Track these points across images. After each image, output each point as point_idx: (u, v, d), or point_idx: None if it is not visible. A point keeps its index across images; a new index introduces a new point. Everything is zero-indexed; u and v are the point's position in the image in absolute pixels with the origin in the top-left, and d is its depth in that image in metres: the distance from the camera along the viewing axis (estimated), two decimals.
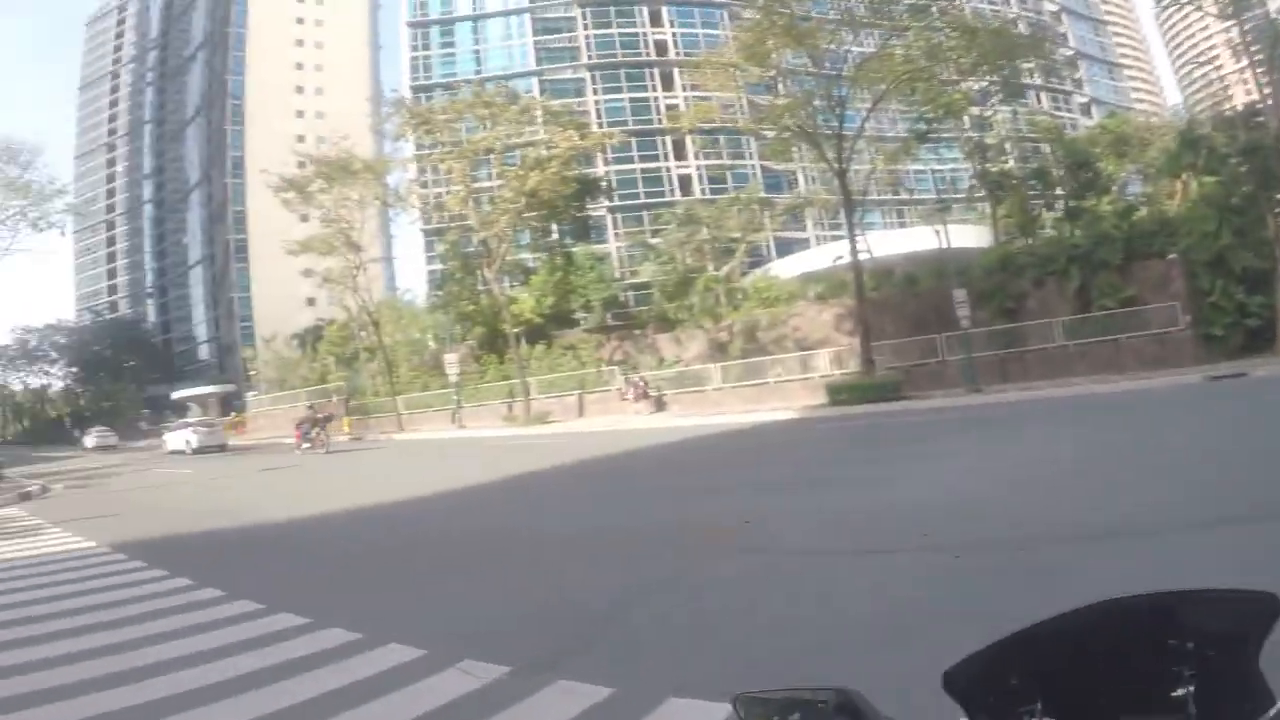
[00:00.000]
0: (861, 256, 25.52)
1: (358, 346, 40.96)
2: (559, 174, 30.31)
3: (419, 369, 35.32)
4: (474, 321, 34.39)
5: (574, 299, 34.00)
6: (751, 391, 27.12)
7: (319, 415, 27.85)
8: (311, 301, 60.43)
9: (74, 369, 75.64)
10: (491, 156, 31.29)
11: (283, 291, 66.61)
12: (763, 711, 1.04)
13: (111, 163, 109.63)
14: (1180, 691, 0.92)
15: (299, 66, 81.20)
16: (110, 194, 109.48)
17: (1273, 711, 0.92)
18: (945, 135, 33.43)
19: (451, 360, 30.17)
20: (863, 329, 24.48)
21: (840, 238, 29.48)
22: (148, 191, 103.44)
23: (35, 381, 77.84)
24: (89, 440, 47.93)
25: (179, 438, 33.62)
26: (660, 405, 27.93)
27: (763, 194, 44.36)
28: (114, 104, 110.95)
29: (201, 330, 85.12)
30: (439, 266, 40.36)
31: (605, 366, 30.70)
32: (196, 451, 31.21)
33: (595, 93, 58.34)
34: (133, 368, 73.55)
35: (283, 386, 44.11)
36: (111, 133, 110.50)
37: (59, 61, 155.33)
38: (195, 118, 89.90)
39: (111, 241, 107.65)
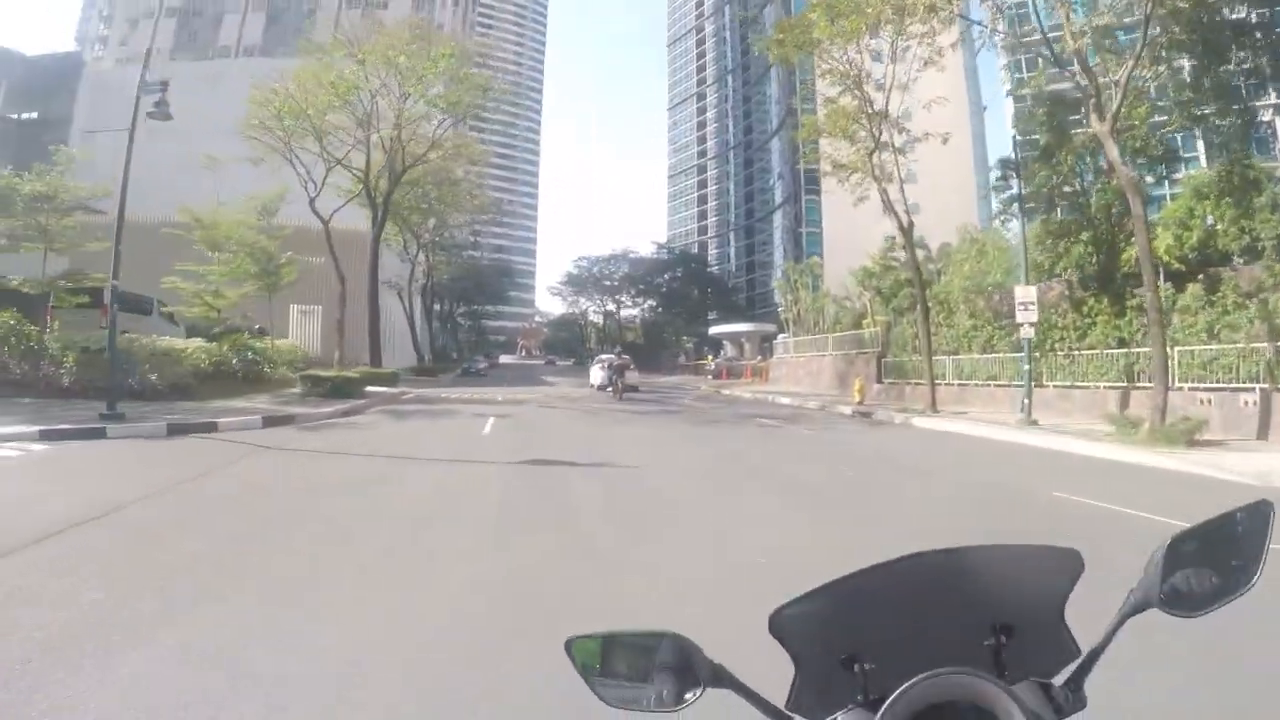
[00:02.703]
0: None
1: (901, 276, 30.66)
2: None
3: (981, 317, 23.02)
4: (1072, 237, 20.49)
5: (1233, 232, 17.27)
6: None
7: (618, 363, 27.73)
8: (890, 207, 51.87)
9: (641, 299, 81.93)
10: None
11: (850, 221, 60.38)
12: (592, 650, 1.03)
13: (701, 110, 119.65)
14: (990, 641, 1.01)
15: None
16: (701, 140, 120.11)
17: (1077, 662, 1.00)
18: None
19: (1027, 301, 16.85)
20: None
21: None
22: (734, 135, 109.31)
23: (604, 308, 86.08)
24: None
25: (597, 373, 31.23)
26: None
27: None
28: (700, 55, 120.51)
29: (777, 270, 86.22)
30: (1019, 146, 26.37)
31: None
32: (599, 389, 29.14)
33: None
34: (696, 300, 77.29)
35: (813, 328, 36.59)
36: (701, 82, 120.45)
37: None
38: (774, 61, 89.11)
39: (703, 185, 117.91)
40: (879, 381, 26.75)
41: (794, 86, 75.70)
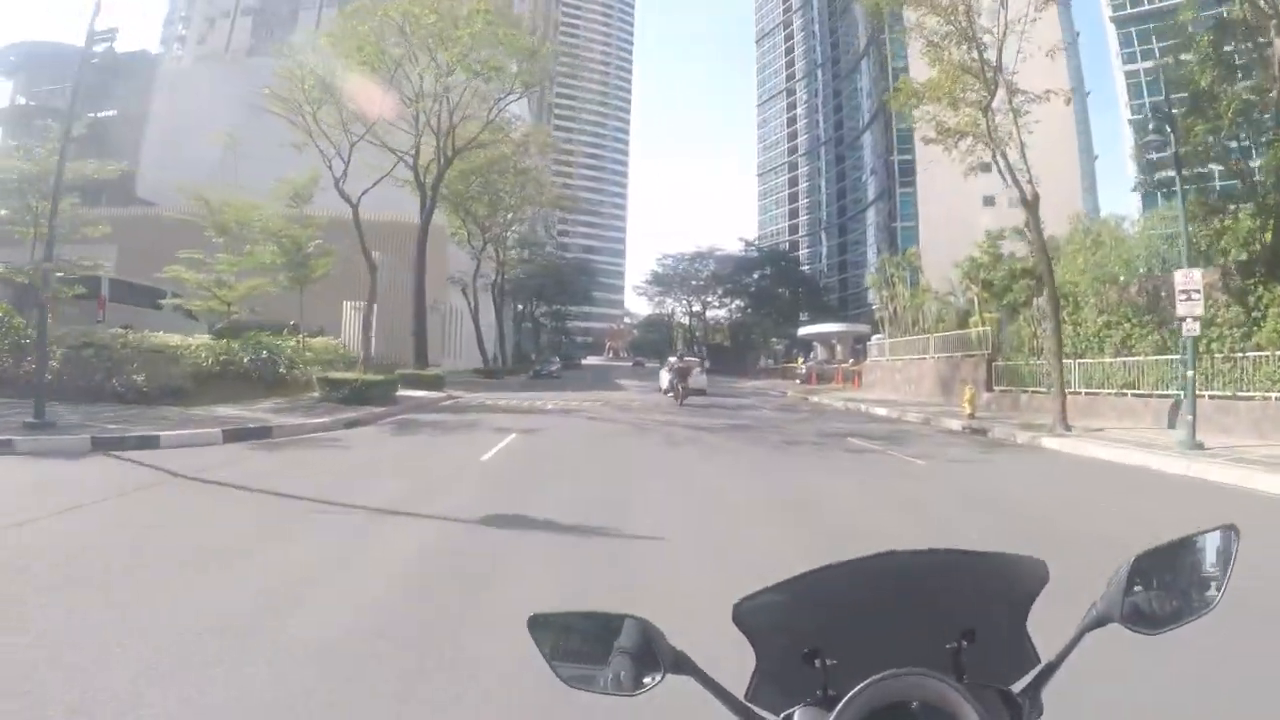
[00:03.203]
0: None
1: (1015, 267, 25.99)
2: None
3: (1116, 312, 18.52)
4: (1233, 210, 15.91)
5: None
6: None
7: (680, 365, 25.40)
8: (989, 201, 47.12)
9: (729, 299, 77.28)
10: None
11: (949, 212, 56.00)
12: (556, 632, 1.03)
13: (791, 106, 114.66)
14: (953, 645, 0.99)
15: None
16: (791, 136, 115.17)
17: (1036, 671, 1.00)
18: None
19: (1190, 289, 12.29)
20: None
21: None
22: (825, 131, 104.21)
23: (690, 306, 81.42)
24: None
25: (664, 376, 27.91)
26: None
27: None
28: (789, 50, 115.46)
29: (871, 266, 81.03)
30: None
31: None
32: (666, 392, 26.30)
33: None
34: (786, 300, 72.48)
35: (910, 328, 32.02)
36: (789, 77, 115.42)
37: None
38: (868, 49, 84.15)
39: (794, 182, 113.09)
40: (989, 389, 22.39)
41: (887, 81, 70.69)
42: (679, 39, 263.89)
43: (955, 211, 58.40)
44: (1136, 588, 0.99)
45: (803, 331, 52.87)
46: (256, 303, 22.65)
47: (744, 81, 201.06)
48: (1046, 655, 1.01)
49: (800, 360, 43.47)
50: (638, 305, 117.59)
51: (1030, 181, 15.78)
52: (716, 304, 79.23)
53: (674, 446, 12.48)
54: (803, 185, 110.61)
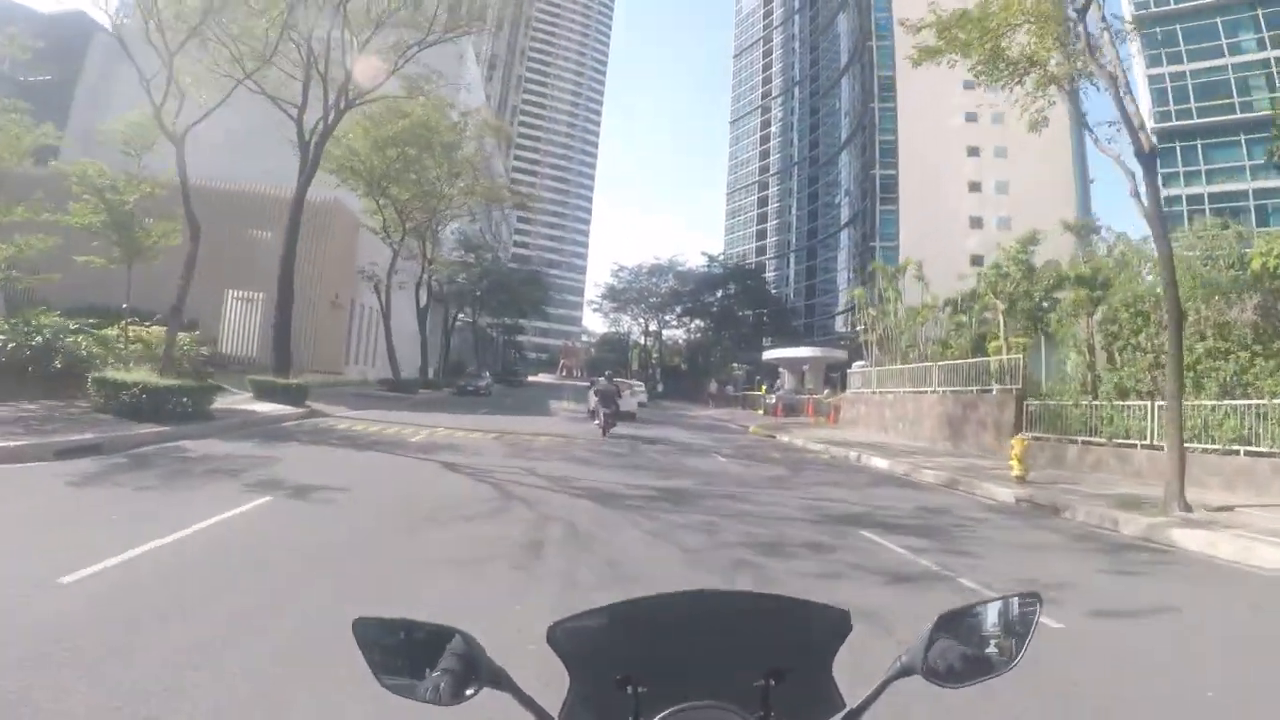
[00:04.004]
0: None
1: (1065, 273, 20.68)
2: None
3: (1226, 337, 13.30)
4: None
5: None
6: None
7: (605, 387, 20.35)
8: (976, 223, 42.76)
9: (688, 318, 71.22)
10: None
11: (936, 228, 51.75)
12: (379, 636, 1.04)
13: (766, 124, 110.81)
14: (761, 683, 1.03)
15: None
16: (764, 155, 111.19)
17: (841, 715, 1.03)
18: None
19: None
20: None
21: None
22: (799, 150, 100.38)
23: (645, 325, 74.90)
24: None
25: (591, 399, 22.91)
26: None
27: None
28: (767, 66, 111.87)
29: (845, 293, 76.35)
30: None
31: None
32: (592, 417, 21.52)
33: None
34: (750, 322, 66.95)
35: (904, 354, 26.53)
36: (766, 94, 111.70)
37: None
38: (849, 66, 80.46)
39: (764, 202, 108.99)
40: (1015, 432, 17.07)
41: (869, 94, 66.99)
42: (654, 58, 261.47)
43: (939, 230, 53.99)
44: (939, 644, 1.03)
45: (769, 355, 46.87)
46: (90, 281, 16.98)
47: (718, 98, 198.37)
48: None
49: (764, 388, 37.66)
50: (597, 323, 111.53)
51: (1144, 129, 10.27)
52: (675, 323, 73.05)
53: (531, 564, 6.00)
54: (773, 206, 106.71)
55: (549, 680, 1.15)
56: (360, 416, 19.24)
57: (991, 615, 1.06)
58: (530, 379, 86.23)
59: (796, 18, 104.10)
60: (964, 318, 23.12)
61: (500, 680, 1.00)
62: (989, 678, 1.02)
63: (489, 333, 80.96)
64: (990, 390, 19.03)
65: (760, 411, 36.16)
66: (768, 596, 1.08)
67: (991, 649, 1.04)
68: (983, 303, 21.99)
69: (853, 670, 1.14)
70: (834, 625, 1.08)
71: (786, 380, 42.47)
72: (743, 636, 1.06)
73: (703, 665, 1.03)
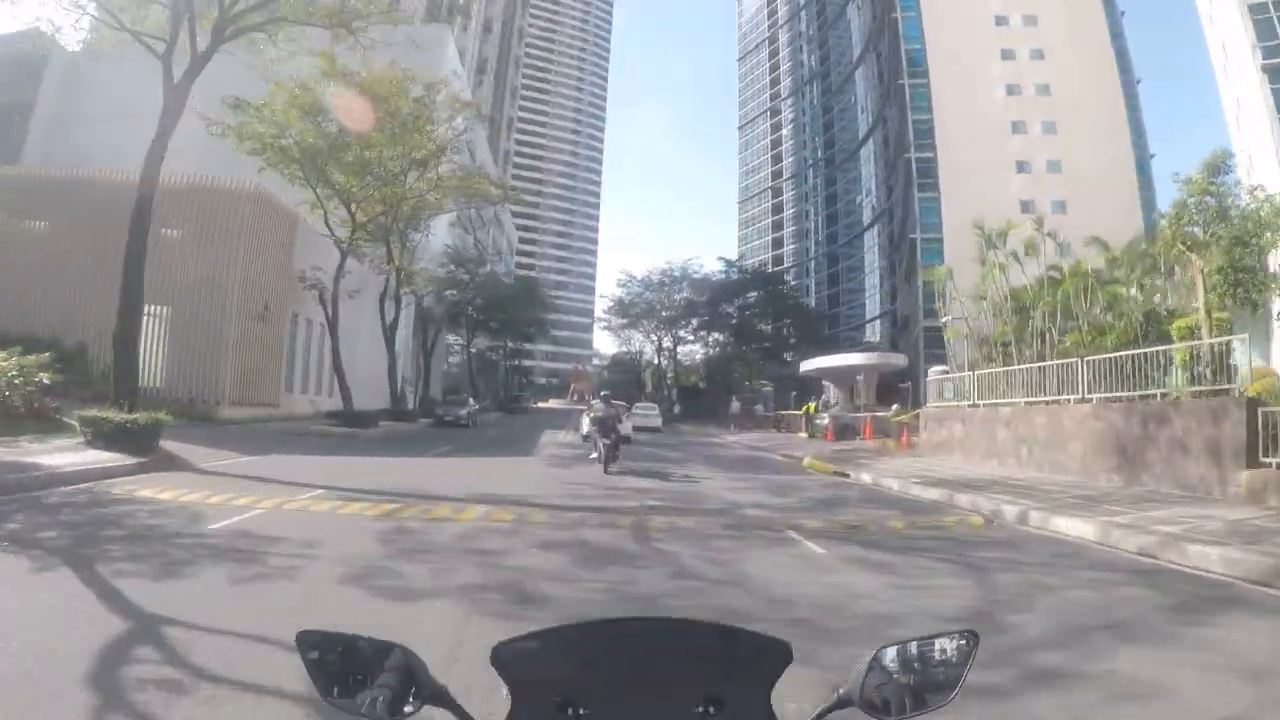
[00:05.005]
0: None
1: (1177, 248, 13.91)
2: None
3: None
4: None
5: None
6: None
7: (603, 412, 16.19)
8: (1028, 207, 36.12)
9: (705, 331, 63.92)
10: None
11: (983, 211, 44.75)
12: (322, 650, 1.03)
13: (776, 126, 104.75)
14: (699, 710, 1.01)
15: None
16: (776, 159, 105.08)
17: None
18: None
19: None
20: None
21: None
22: (813, 152, 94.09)
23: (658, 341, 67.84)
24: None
25: (585, 424, 19.82)
26: None
27: None
28: (774, 67, 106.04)
29: (875, 298, 69.21)
30: None
31: None
32: (586, 438, 18.20)
33: None
34: (772, 334, 59.78)
35: (1016, 349, 19.38)
36: (775, 96, 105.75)
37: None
38: (863, 56, 74.24)
39: (779, 209, 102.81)
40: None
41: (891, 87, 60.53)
42: (654, 71, 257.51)
43: (989, 210, 46.98)
44: (876, 677, 1.04)
45: (808, 366, 38.87)
46: None
47: (724, 106, 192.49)
48: None
49: (811, 406, 30.28)
50: (607, 343, 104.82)
51: None
52: (691, 338, 65.67)
53: None
54: (788, 212, 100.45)
55: (489, 699, 1.15)
56: (227, 471, 12.47)
57: (929, 651, 1.06)
58: (539, 405, 79.57)
59: (803, 14, 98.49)
60: (1124, 288, 15.95)
61: (441, 698, 1.01)
62: (925, 712, 1.02)
63: (490, 357, 74.45)
64: (1185, 396, 12.03)
65: (806, 435, 29.02)
66: (711, 625, 1.08)
67: (928, 685, 1.04)
68: (1159, 258, 14.86)
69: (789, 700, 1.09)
70: (773, 655, 1.06)
71: (832, 394, 35.32)
72: (684, 663, 1.05)
73: (643, 690, 1.02)
